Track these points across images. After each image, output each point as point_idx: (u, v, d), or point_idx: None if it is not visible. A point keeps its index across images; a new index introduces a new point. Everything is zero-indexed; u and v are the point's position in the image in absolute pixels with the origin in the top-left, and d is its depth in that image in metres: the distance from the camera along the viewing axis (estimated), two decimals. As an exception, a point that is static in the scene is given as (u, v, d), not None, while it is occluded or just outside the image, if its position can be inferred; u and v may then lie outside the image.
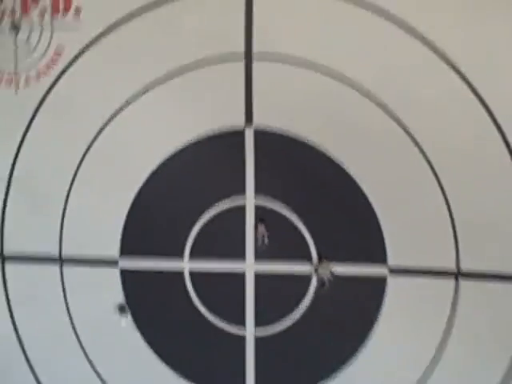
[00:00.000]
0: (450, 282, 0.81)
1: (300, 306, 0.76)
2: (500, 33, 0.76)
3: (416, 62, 0.74)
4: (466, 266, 0.80)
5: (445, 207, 0.80)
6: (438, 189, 0.80)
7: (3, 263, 0.77)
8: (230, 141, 0.75)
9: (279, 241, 0.78)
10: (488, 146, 0.78)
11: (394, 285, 0.79)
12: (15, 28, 0.65)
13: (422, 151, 0.77)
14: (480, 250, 0.79)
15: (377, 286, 0.79)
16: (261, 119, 0.74)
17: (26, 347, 0.80)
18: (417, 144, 0.77)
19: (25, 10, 0.66)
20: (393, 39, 0.75)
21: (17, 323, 0.79)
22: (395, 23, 0.75)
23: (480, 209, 0.80)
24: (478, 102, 0.76)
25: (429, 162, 0.79)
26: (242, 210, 0.76)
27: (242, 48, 0.75)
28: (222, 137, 0.76)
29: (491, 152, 0.80)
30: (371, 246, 0.78)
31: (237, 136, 0.75)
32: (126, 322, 0.76)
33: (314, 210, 0.76)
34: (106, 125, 0.74)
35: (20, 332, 0.79)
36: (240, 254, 0.76)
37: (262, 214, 0.76)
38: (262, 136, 0.76)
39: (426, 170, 0.79)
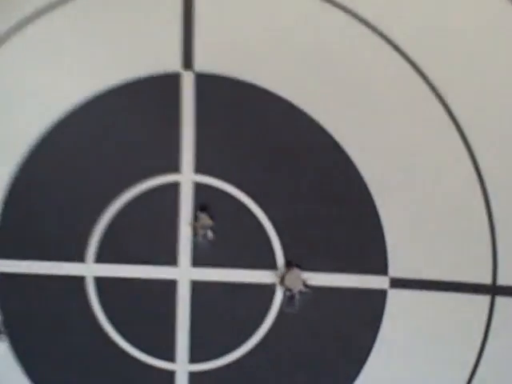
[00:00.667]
0: (486, 299, 0.65)
1: (256, 330, 0.56)
2: None
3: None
4: (503, 280, 0.65)
5: (481, 197, 0.61)
6: (473, 170, 0.60)
7: None
8: (159, 89, 0.56)
9: (228, 237, 0.58)
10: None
11: (396, 302, 0.60)
12: None
13: (448, 112, 0.55)
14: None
15: (372, 304, 0.59)
16: (204, 60, 0.54)
17: None
18: (441, 100, 0.55)
19: None
20: None
21: None
22: None
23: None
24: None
25: (459, 130, 0.58)
26: (174, 190, 0.56)
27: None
28: (147, 83, 0.56)
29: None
30: (365, 248, 0.60)
31: (170, 82, 0.55)
32: (1, 348, 0.57)
33: (281, 195, 0.55)
34: None
35: None
36: (171, 255, 0.56)
37: (204, 198, 0.56)
38: (205, 82, 0.56)
39: (455, 141, 0.58)
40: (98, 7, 0.57)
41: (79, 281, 0.59)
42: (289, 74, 0.56)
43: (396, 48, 0.57)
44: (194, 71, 0.55)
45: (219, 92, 0.56)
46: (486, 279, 0.64)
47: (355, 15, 0.55)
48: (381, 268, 0.60)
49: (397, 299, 0.62)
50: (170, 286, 0.60)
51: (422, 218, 0.62)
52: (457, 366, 0.65)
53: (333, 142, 0.55)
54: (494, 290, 0.64)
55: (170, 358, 0.61)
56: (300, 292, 0.59)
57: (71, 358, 0.60)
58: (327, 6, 0.56)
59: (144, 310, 0.59)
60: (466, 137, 0.58)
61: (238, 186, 0.59)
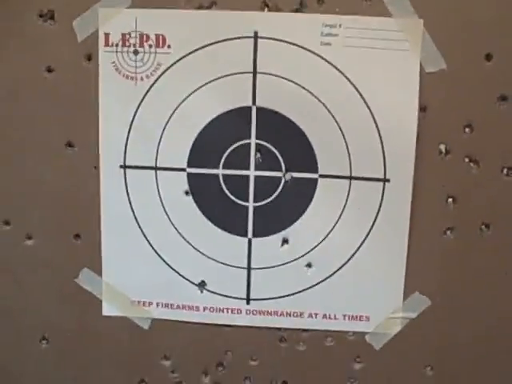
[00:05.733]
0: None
1: (275, 194, 1.22)
2: None
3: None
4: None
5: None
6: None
7: (125, 170, 1.19)
8: (243, 113, 1.18)
9: (266, 159, 1.22)
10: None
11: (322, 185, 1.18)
12: (136, 52, 1.14)
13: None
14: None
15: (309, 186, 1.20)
16: (261, 101, 1.15)
17: (141, 224, 1.25)
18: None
19: (141, 44, 1.14)
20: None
21: (134, 207, 1.23)
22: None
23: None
24: None
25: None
26: (248, 146, 1.20)
27: (250, 68, 1.14)
28: (238, 110, 1.18)
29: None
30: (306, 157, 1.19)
31: (246, 110, 1.18)
32: (189, 200, 1.22)
33: (287, 144, 1.19)
34: (183, 101, 1.17)
35: (136, 214, 1.24)
36: (247, 165, 1.21)
37: (259, 148, 1.19)
38: (262, 111, 1.18)
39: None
40: (225, 87, 1.17)
41: (217, 176, 1.22)
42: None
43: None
44: (256, 106, 1.17)
45: (271, 118, 1.24)
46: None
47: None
48: (314, 168, 1.17)
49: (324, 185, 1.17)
50: (246, 178, 1.24)
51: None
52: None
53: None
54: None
55: (246, 201, 1.22)
56: (289, 180, 1.21)
57: (211, 205, 1.26)
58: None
59: (239, 185, 1.26)
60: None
61: (271, 143, 1.22)
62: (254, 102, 1.14)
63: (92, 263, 1.23)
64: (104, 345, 1.27)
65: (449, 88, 1.10)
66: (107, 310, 1.27)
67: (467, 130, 1.11)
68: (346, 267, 1.20)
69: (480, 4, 1.04)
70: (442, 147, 1.13)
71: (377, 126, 1.13)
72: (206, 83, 1.15)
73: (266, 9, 1.09)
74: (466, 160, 1.13)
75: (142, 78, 1.17)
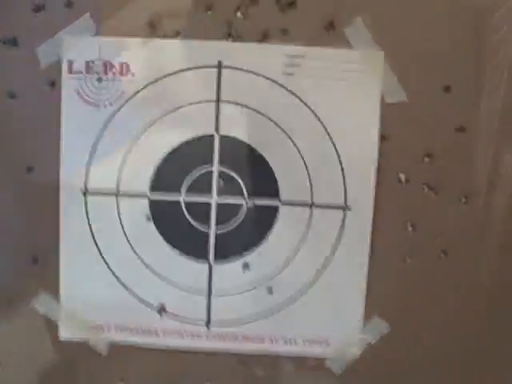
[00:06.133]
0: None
1: (236, 219, 1.24)
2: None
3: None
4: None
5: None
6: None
7: (86, 196, 1.22)
8: (206, 140, 1.21)
9: (228, 186, 1.23)
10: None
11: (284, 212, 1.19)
12: (100, 80, 1.14)
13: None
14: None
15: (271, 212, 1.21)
16: (225, 130, 1.19)
17: (100, 249, 1.26)
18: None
19: (105, 71, 1.17)
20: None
21: (94, 232, 1.25)
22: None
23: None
24: None
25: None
26: (211, 173, 1.22)
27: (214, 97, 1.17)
28: (201, 138, 1.21)
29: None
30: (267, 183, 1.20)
31: (209, 138, 1.21)
32: (151, 226, 1.24)
33: (249, 171, 1.20)
34: (146, 128, 1.20)
35: (96, 239, 1.25)
36: (209, 191, 1.22)
37: (222, 175, 1.21)
38: (225, 139, 1.20)
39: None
40: (183, 116, 1.21)
41: (178, 202, 1.23)
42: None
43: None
44: (219, 135, 1.19)
45: (233, 145, 1.24)
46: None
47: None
48: (275, 194, 1.20)
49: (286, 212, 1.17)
50: (208, 205, 1.23)
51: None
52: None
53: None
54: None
55: (207, 226, 1.24)
56: (251, 207, 1.22)
57: (176, 228, 1.25)
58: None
59: (201, 211, 1.25)
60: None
61: (234, 171, 1.25)
62: (216, 130, 1.17)
63: (49, 288, 1.22)
64: (60, 369, 1.27)
65: (408, 118, 1.14)
66: (64, 334, 1.27)
67: (426, 159, 1.16)
68: (307, 293, 1.22)
69: (439, 38, 1.10)
70: (402, 176, 1.17)
71: (338, 155, 1.16)
72: (170, 111, 1.17)
73: (230, 39, 1.10)
74: (425, 188, 1.18)
75: (105, 105, 1.19)
